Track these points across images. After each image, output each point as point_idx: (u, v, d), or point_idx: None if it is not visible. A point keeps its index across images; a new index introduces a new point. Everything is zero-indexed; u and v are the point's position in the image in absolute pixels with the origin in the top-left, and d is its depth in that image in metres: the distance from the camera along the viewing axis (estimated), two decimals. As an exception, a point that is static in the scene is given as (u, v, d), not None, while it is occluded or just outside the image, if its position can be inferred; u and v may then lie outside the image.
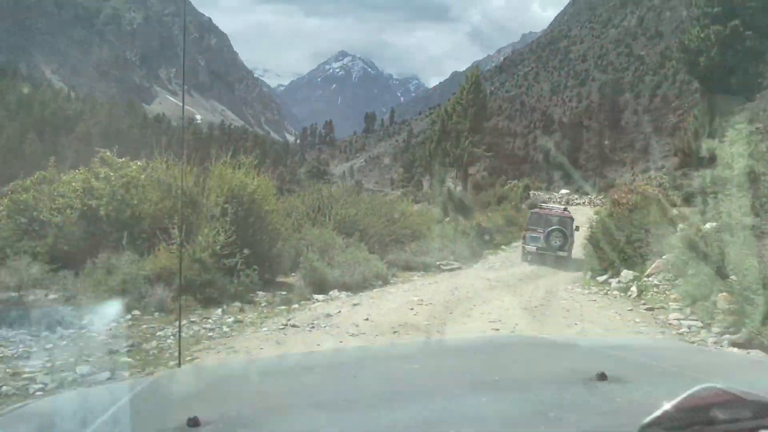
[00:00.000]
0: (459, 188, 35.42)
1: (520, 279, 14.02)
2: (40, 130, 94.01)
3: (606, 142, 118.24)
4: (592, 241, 15.36)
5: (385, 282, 11.32)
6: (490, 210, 29.09)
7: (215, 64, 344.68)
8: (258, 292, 9.89)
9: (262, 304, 8.99)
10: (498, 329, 7.25)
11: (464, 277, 13.44)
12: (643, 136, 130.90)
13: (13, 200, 9.41)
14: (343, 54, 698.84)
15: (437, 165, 43.21)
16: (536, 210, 19.57)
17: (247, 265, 9.96)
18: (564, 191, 57.15)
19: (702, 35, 36.37)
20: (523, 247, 17.84)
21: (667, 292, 11.01)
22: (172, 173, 10.67)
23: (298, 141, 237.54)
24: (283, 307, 8.70)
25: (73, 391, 3.26)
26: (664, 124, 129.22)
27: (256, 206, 10.84)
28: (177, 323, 6.95)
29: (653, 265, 12.41)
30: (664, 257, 12.42)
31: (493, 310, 8.71)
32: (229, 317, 7.85)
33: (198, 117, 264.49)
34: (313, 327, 6.94)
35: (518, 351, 2.00)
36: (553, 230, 16.90)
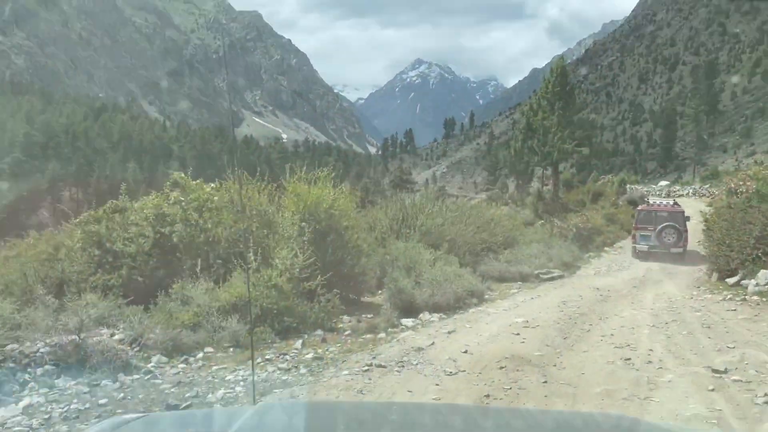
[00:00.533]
0: (548, 187, 33.39)
1: (634, 285, 12.30)
2: (139, 158, 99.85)
3: (704, 129, 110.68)
4: (714, 237, 13.33)
5: (481, 299, 10.01)
6: (585, 209, 26.97)
7: (296, 83, 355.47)
8: (342, 317, 8.96)
9: (346, 332, 8.00)
10: (629, 359, 5.86)
11: (569, 288, 11.90)
12: (744, 119, 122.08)
13: (85, 231, 8.99)
14: (419, 62, 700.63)
15: (524, 165, 41.35)
16: (644, 207, 19.02)
17: (328, 287, 9.07)
18: (663, 183, 53.35)
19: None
20: (634, 247, 17.26)
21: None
22: (246, 193, 9.95)
23: (380, 152, 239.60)
24: (368, 336, 7.66)
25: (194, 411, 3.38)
26: (767, 104, 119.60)
27: (334, 222, 9.94)
28: (251, 362, 6.06)
29: (801, 265, 10.41)
30: (815, 254, 10.39)
31: (616, 331, 7.27)
32: (309, 352, 6.89)
33: (284, 136, 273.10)
34: (403, 366, 5.82)
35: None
36: (665, 227, 16.32)
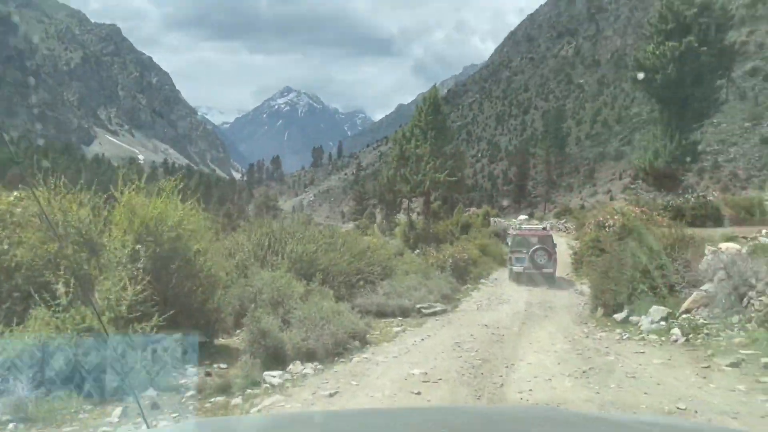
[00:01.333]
0: (419, 217, 32.90)
1: (522, 322, 11.34)
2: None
3: (553, 169, 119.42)
4: (598, 271, 12.89)
5: (363, 342, 8.33)
6: (457, 239, 26.53)
7: (156, 102, 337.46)
8: (187, 367, 6.85)
9: (189, 392, 5.94)
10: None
11: (457, 325, 10.64)
12: (587, 162, 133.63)
13: None
14: (288, 90, 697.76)
15: (393, 195, 40.80)
16: (519, 232, 20.37)
17: (170, 328, 6.96)
18: (522, 217, 56.02)
19: (657, 52, 35.51)
20: (510, 269, 18.63)
21: (721, 333, 8.53)
22: (60, 205, 7.54)
23: (245, 177, 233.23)
24: (218, 399, 5.66)
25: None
26: (606, 149, 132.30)
27: (181, 245, 7.84)
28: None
29: (689, 299, 9.97)
30: (704, 288, 10.00)
31: (532, 384, 5.97)
32: (128, 428, 4.79)
33: (140, 157, 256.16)
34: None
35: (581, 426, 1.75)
36: (536, 249, 17.71)
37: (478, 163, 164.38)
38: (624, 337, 9.27)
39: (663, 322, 9.78)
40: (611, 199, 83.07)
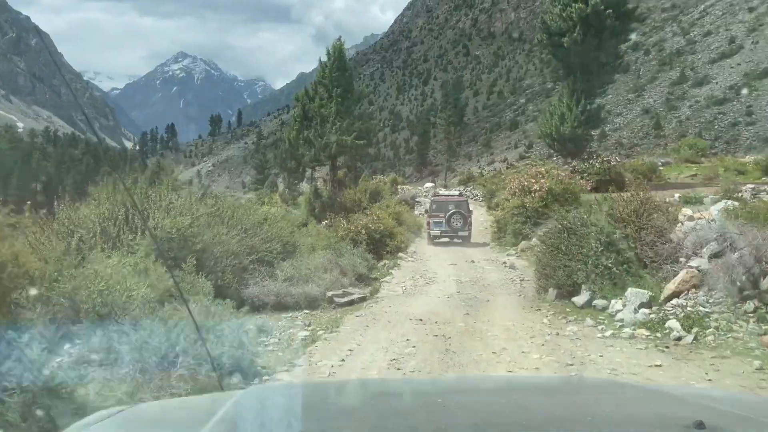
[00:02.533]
0: (325, 186, 29.82)
1: (465, 312, 8.75)
2: None
3: (453, 138, 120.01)
4: (546, 244, 10.54)
5: (246, 373, 5.17)
6: (369, 208, 23.76)
7: (36, 67, 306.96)
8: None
9: None
10: None
11: (383, 322, 7.85)
12: (484, 131, 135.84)
13: None
14: (182, 55, 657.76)
15: (295, 163, 37.36)
16: (436, 197, 20.56)
17: None
18: (429, 184, 54.35)
19: (564, 14, 34.18)
20: (428, 233, 18.91)
21: (735, 327, 6.33)
22: None
23: (137, 147, 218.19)
24: None
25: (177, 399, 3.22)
26: (502, 119, 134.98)
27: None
28: None
29: (677, 279, 7.75)
30: (693, 264, 7.80)
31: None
32: None
33: (19, 124, 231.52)
34: None
35: (602, 393, 1.77)
36: (453, 213, 18.10)
37: (380, 132, 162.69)
38: (606, 334, 6.88)
39: (646, 310, 7.52)
40: (507, 167, 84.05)
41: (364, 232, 15.32)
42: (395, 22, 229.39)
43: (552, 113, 37.00)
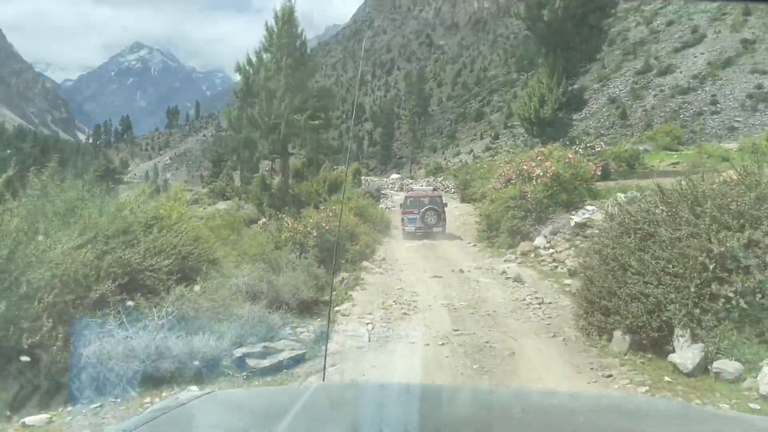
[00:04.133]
0: (277, 178, 25.39)
1: (477, 377, 4.73)
2: None
3: (417, 130, 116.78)
4: (599, 263, 6.55)
5: None
6: (325, 203, 19.55)
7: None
8: None
9: None
10: None
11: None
12: (449, 122, 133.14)
13: None
14: (138, 45, 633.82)
15: (249, 153, 33.04)
16: (411, 193, 20.15)
17: None
18: (395, 176, 50.42)
19: (544, -15, 30.56)
20: (403, 229, 18.20)
21: None
22: None
23: (91, 140, 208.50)
24: None
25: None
26: (467, 110, 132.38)
27: None
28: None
29: None
30: None
31: None
32: None
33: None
34: None
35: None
36: (427, 210, 17.61)
37: (343, 124, 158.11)
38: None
39: None
40: (473, 158, 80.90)
41: (314, 234, 11.16)
42: (357, 11, 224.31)
43: (531, 95, 33.39)
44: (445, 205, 18.60)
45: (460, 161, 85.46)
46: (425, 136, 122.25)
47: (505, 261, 12.19)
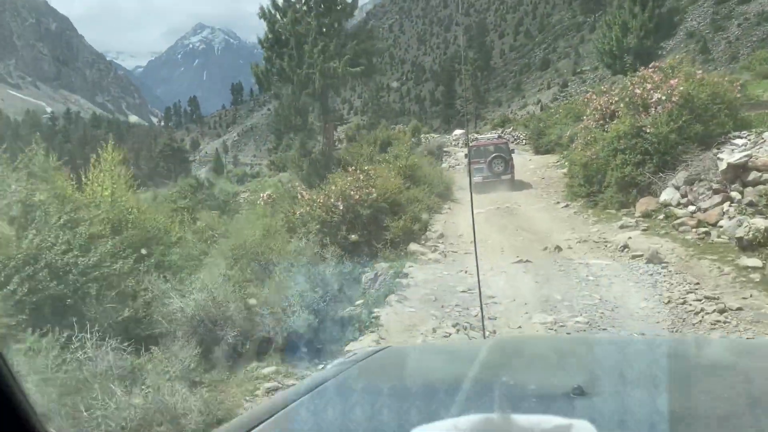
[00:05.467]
0: (321, 141, 21.98)
1: None
2: None
3: (480, 85, 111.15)
4: None
5: None
6: (363, 163, 15.90)
7: (59, 51, 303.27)
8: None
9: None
10: None
11: None
12: (513, 74, 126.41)
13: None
14: (201, 27, 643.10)
15: (302, 119, 29.97)
16: (475, 143, 19.22)
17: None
18: (458, 132, 46.30)
19: None
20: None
21: None
22: None
23: (162, 123, 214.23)
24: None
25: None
26: (532, 60, 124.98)
27: None
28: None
29: None
30: None
31: None
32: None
33: (48, 109, 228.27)
34: None
35: None
36: (493, 158, 16.72)
37: (403, 86, 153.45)
38: None
39: None
40: (541, 109, 74.80)
41: (341, 207, 7.61)
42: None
43: (611, 24, 28.20)
44: (512, 151, 17.94)
45: (528, 113, 79.52)
46: (489, 91, 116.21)
47: (621, 228, 8.23)
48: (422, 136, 35.33)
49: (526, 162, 21.80)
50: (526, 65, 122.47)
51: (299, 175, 18.97)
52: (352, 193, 7.77)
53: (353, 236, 6.94)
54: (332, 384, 1.30)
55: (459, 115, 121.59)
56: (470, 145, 18.40)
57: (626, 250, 7.14)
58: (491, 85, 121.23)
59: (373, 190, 7.84)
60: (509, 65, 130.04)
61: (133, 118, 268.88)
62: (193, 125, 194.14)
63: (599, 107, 11.48)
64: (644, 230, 7.92)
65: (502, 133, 35.17)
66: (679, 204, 8.36)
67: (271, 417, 1.13)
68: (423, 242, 7.95)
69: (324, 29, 16.97)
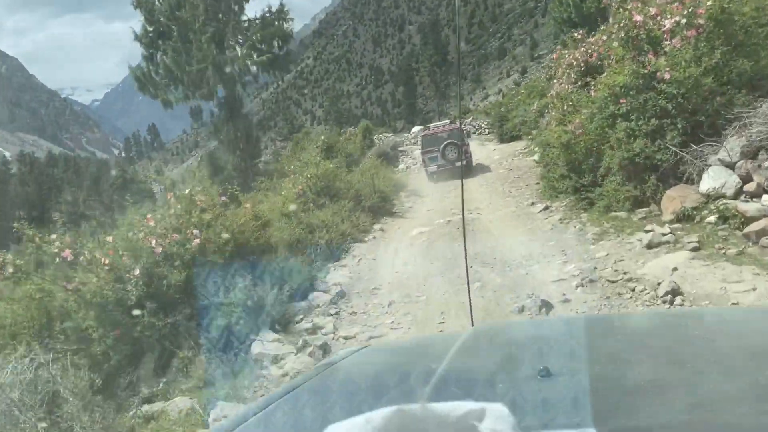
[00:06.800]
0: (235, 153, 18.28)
1: None
2: None
3: (439, 81, 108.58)
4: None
5: None
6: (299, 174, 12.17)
7: (11, 93, 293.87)
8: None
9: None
10: None
11: None
12: (471, 66, 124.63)
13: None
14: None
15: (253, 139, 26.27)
16: (427, 132, 19.03)
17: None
18: (416, 129, 43.06)
19: None
20: (426, 170, 16.78)
21: None
22: None
23: (122, 154, 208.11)
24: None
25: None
26: (488, 50, 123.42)
27: None
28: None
29: None
30: None
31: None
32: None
33: (6, 153, 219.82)
34: None
35: None
36: (446, 144, 16.03)
37: (363, 91, 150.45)
38: None
39: None
40: (503, 97, 72.13)
41: (137, 272, 3.87)
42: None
43: None
44: (468, 136, 17.47)
45: (490, 103, 76.98)
46: (449, 86, 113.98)
47: (647, 247, 4.65)
48: (376, 137, 31.72)
49: (489, 153, 18.51)
50: (483, 56, 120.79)
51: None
52: (156, 241, 4.06)
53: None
54: (310, 385, 1.32)
55: (423, 113, 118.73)
56: (422, 134, 17.40)
57: (677, 298, 3.57)
58: (451, 81, 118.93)
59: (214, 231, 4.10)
60: (467, 58, 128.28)
61: (99, 154, 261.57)
62: (155, 153, 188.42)
63: (575, 62, 7.93)
64: (694, 249, 4.35)
65: (460, 124, 31.80)
66: (739, 193, 4.81)
67: (251, 418, 1.14)
68: (296, 319, 4.24)
69: (218, 14, 13.18)
